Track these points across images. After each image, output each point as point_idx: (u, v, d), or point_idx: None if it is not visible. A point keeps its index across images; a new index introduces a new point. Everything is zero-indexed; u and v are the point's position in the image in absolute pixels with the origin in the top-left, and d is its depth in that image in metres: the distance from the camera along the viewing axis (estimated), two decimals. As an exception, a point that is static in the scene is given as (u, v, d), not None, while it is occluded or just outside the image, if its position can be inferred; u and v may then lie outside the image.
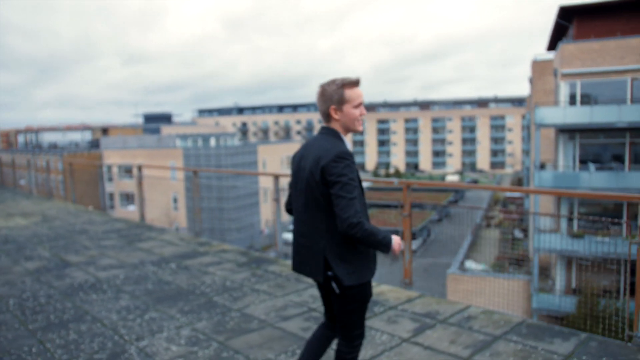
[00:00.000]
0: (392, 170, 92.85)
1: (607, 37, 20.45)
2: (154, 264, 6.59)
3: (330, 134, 2.53)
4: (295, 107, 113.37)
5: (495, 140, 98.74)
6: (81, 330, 4.39)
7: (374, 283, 5.27)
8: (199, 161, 46.91)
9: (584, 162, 20.88)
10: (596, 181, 19.45)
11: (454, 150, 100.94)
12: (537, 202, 24.24)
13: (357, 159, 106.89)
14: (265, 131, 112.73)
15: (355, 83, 2.50)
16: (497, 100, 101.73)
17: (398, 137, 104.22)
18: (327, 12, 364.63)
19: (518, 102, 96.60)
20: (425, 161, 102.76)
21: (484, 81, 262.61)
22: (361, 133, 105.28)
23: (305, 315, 4.57)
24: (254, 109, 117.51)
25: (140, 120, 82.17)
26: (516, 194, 50.92)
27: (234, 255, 6.95)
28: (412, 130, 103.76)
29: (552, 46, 26.91)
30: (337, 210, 2.35)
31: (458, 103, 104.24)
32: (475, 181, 77.82)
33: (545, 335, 3.89)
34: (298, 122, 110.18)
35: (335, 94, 2.48)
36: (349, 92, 2.49)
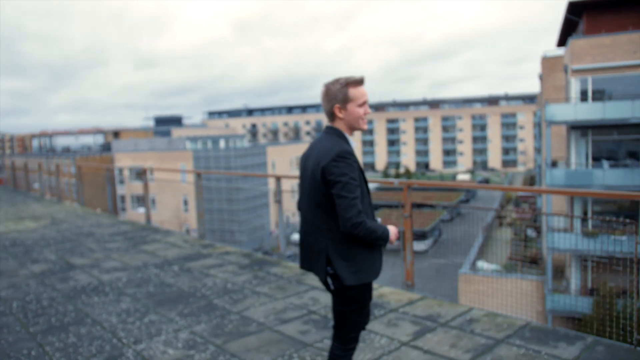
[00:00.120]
0: (402, 170, 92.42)
1: (618, 31, 20.13)
2: (157, 266, 6.59)
3: (333, 133, 2.52)
4: (304, 108, 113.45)
5: (507, 138, 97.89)
6: (81, 333, 4.38)
7: (375, 285, 5.20)
8: (208, 163, 47.12)
9: (597, 159, 20.56)
10: (610, 179, 19.10)
11: (465, 149, 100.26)
12: (549, 201, 23.95)
13: (367, 159, 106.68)
14: (274, 132, 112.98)
15: (359, 82, 2.50)
16: (508, 98, 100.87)
17: (408, 137, 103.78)
18: (334, 12, 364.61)
19: (529, 99, 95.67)
20: (435, 160, 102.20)
21: (494, 78, 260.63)
22: (370, 132, 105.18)
23: (304, 319, 4.52)
24: (263, 111, 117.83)
25: (151, 123, 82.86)
26: (529, 192, 50.41)
27: (236, 258, 6.92)
28: (421, 129, 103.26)
29: (562, 42, 26.57)
30: (339, 211, 2.36)
31: (468, 101, 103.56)
32: (486, 180, 77.22)
33: (550, 339, 3.79)
34: (307, 122, 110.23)
35: (339, 93, 2.48)
36: (353, 91, 2.49)
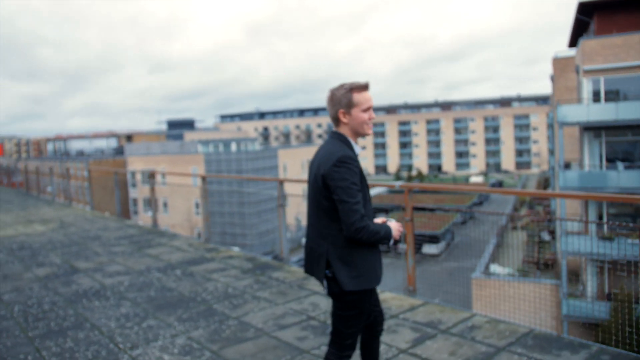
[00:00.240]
0: (414, 173, 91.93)
1: (629, 31, 19.80)
2: (159, 270, 6.57)
3: (337, 138, 2.53)
4: (316, 111, 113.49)
5: (520, 139, 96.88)
6: (78, 338, 4.36)
7: (377, 290, 5.12)
8: (220, 166, 47.31)
9: (611, 160, 20.20)
10: (625, 180, 18.74)
11: (478, 150, 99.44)
12: (563, 203, 23.60)
13: (379, 162, 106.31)
14: (286, 135, 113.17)
15: (363, 87, 2.52)
16: (521, 99, 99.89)
17: (420, 139, 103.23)
18: (346, 14, 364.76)
19: (542, 100, 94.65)
20: (448, 162, 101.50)
21: (507, 80, 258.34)
22: (382, 135, 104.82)
23: (303, 324, 4.45)
24: (275, 114, 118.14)
25: (164, 127, 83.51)
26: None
27: (239, 262, 6.88)
28: (433, 131, 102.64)
29: (573, 42, 26.25)
30: (341, 215, 2.37)
31: (480, 103, 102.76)
32: (500, 182, 76.46)
33: (553, 347, 3.68)
34: (319, 125, 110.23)
35: (343, 98, 2.50)
36: (357, 96, 2.50)
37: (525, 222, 39.96)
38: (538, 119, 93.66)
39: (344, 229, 2.38)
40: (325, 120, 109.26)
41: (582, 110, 19.68)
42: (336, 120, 2.54)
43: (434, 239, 40.20)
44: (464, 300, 23.83)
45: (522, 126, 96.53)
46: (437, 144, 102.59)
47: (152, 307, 5.10)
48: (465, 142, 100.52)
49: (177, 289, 5.70)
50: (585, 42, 20.13)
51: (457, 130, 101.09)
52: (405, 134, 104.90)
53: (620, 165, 19.37)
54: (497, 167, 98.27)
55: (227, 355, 3.88)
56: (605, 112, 19.30)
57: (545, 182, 63.01)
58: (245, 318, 4.69)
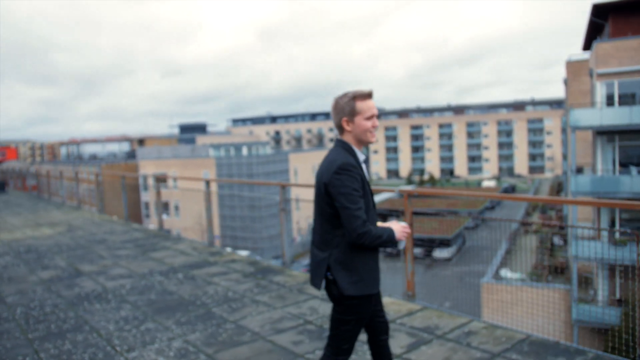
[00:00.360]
0: (426, 177, 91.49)
1: (644, 34, 19.55)
2: (162, 274, 6.61)
3: (341, 146, 2.56)
4: (327, 115, 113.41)
5: (534, 144, 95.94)
6: (77, 340, 4.40)
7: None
8: (231, 170, 47.54)
9: (624, 165, 19.91)
10: (639, 185, 18.45)
11: (490, 155, 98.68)
12: (575, 208, 23.30)
13: (391, 166, 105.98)
14: (298, 139, 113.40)
15: (366, 95, 2.54)
16: (535, 103, 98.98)
17: (432, 143, 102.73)
18: (359, 18, 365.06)
19: (557, 104, 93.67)
20: (460, 167, 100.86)
21: (521, 83, 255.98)
22: (394, 139, 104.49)
23: (299, 329, 4.44)
24: (287, 118, 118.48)
25: (176, 131, 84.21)
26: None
27: (241, 266, 6.90)
28: (446, 135, 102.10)
29: (587, 45, 25.95)
30: (344, 222, 2.40)
31: (493, 107, 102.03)
32: (512, 186, 75.79)
33: (549, 353, 3.62)
34: (331, 129, 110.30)
35: (347, 106, 2.53)
36: (360, 104, 2.52)
37: (537, 227, 39.53)
38: (552, 123, 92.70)
39: (346, 234, 2.41)
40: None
41: (595, 114, 19.43)
42: (340, 128, 2.58)
43: (445, 243, 39.96)
44: (474, 305, 23.62)
45: (535, 130, 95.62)
46: (450, 148, 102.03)
47: (151, 311, 5.13)
48: (478, 146, 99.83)
49: (178, 293, 5.73)
50: (599, 45, 19.90)
51: (470, 135, 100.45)
52: (417, 138, 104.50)
53: (633, 169, 19.07)
54: (510, 172, 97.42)
55: (221, 359, 3.88)
56: (619, 116, 19.03)
57: (558, 186, 62.32)
58: (242, 322, 4.69)
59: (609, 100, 19.93)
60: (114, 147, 67.49)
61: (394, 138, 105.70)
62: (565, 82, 28.86)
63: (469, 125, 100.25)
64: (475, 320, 4.39)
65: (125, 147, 66.71)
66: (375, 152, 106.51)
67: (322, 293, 5.45)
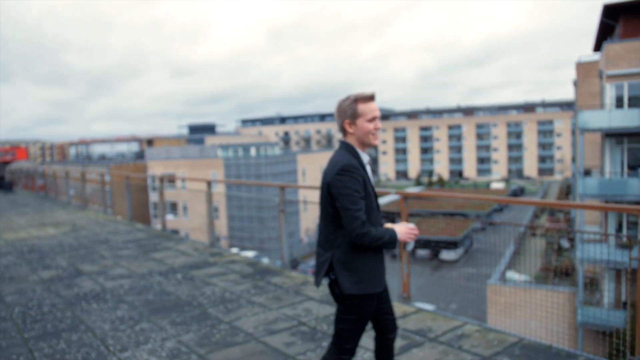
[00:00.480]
0: (435, 178, 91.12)
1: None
2: (161, 274, 6.64)
3: (344, 148, 2.60)
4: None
5: (543, 146, 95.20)
6: (72, 339, 4.43)
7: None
8: (239, 171, 47.66)
9: (633, 167, 19.69)
10: (647, 189, 18.24)
11: (500, 156, 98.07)
12: (581, 210, 23.07)
13: (400, 167, 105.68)
14: (307, 140, 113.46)
15: (369, 98, 2.57)
16: (545, 105, 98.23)
17: (441, 144, 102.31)
18: (369, 18, 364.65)
19: (567, 105, 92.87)
20: (469, 168, 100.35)
21: (531, 85, 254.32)
22: (403, 140, 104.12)
23: (292, 330, 4.45)
24: (296, 118, 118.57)
25: (185, 131, 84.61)
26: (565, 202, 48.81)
27: (241, 266, 6.91)
28: (455, 137, 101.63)
29: (597, 47, 25.71)
30: (344, 222, 2.44)
31: (503, 108, 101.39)
32: (521, 189, 75.27)
33: (540, 357, 3.59)
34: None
35: (348, 109, 2.57)
36: (362, 107, 2.56)
37: (544, 229, 39.22)
38: (562, 124, 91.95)
39: (346, 235, 2.46)
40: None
41: (603, 116, 19.23)
42: (343, 130, 2.63)
43: (452, 245, 39.78)
44: (480, 307, 23.44)
45: (545, 132, 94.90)
46: (459, 149, 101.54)
47: (147, 311, 5.15)
48: (488, 147, 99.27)
49: (175, 293, 5.75)
50: (609, 46, 19.71)
51: (479, 136, 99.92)
52: (426, 139, 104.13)
53: (642, 172, 18.87)
54: (519, 174, 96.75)
55: (213, 359, 3.90)
56: (628, 118, 18.83)
57: (567, 189, 61.81)
58: (237, 323, 4.70)
59: (619, 102, 19.73)
60: (122, 148, 67.98)
61: (403, 139, 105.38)
62: (575, 83, 28.60)
63: (479, 126, 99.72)
64: (469, 323, 4.36)
65: (134, 147, 67.16)
66: (384, 153, 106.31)
67: (319, 295, 5.45)
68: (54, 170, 18.03)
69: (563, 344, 17.96)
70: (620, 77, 19.59)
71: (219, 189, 40.41)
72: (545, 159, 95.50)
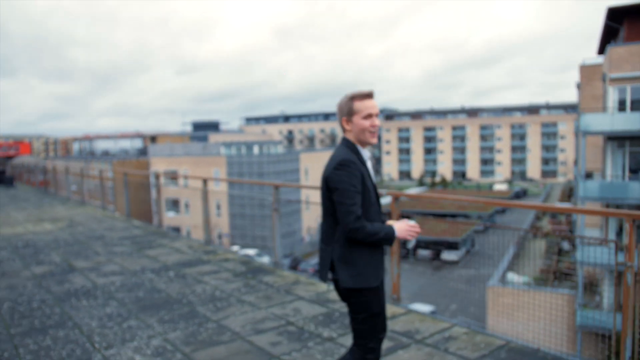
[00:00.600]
0: (438, 179, 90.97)
1: (659, 38, 19.19)
2: (154, 271, 6.63)
3: (344, 144, 2.63)
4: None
5: (547, 148, 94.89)
6: (58, 336, 4.42)
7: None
8: (242, 169, 47.69)
9: (634, 171, 19.59)
10: (648, 192, 18.13)
11: (503, 158, 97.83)
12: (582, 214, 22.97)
13: (403, 167, 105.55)
14: (311, 139, 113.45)
15: (365, 95, 2.59)
16: (549, 107, 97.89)
17: (445, 145, 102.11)
18: (376, 18, 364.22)
19: (571, 108, 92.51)
20: (473, 169, 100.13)
21: (537, 87, 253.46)
22: (407, 140, 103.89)
23: (280, 330, 4.42)
24: (300, 117, 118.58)
25: (189, 128, 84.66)
26: (565, 204, 48.65)
27: (234, 265, 6.89)
28: (459, 138, 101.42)
29: (602, 50, 25.57)
30: (339, 216, 2.47)
31: (507, 110, 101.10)
32: (524, 190, 75.05)
33: (526, 361, 3.55)
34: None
35: (345, 106, 2.61)
36: (358, 104, 2.58)
37: (546, 231, 39.09)
38: (566, 127, 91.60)
39: (342, 229, 2.47)
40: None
41: (606, 119, 19.14)
42: (343, 127, 2.67)
43: (453, 246, 39.70)
44: (480, 308, 23.37)
45: (549, 134, 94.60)
46: (462, 150, 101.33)
47: (136, 308, 5.14)
48: (491, 149, 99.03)
49: (166, 291, 5.74)
50: (613, 49, 19.60)
51: (483, 137, 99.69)
52: (430, 139, 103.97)
53: (644, 176, 18.76)
54: (523, 175, 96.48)
55: (197, 358, 3.87)
56: (630, 122, 18.72)
57: (570, 191, 61.59)
58: (224, 321, 4.68)
59: (621, 106, 19.62)
60: (126, 144, 68.07)
61: (407, 139, 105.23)
62: (579, 86, 28.48)
63: (483, 128, 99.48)
64: (458, 325, 4.33)
65: (137, 143, 67.23)
66: (388, 153, 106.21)
67: (309, 295, 5.43)
68: (54, 165, 18.06)
69: (562, 346, 17.88)
70: (623, 80, 19.49)
71: (221, 187, 40.46)
72: (548, 161, 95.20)
